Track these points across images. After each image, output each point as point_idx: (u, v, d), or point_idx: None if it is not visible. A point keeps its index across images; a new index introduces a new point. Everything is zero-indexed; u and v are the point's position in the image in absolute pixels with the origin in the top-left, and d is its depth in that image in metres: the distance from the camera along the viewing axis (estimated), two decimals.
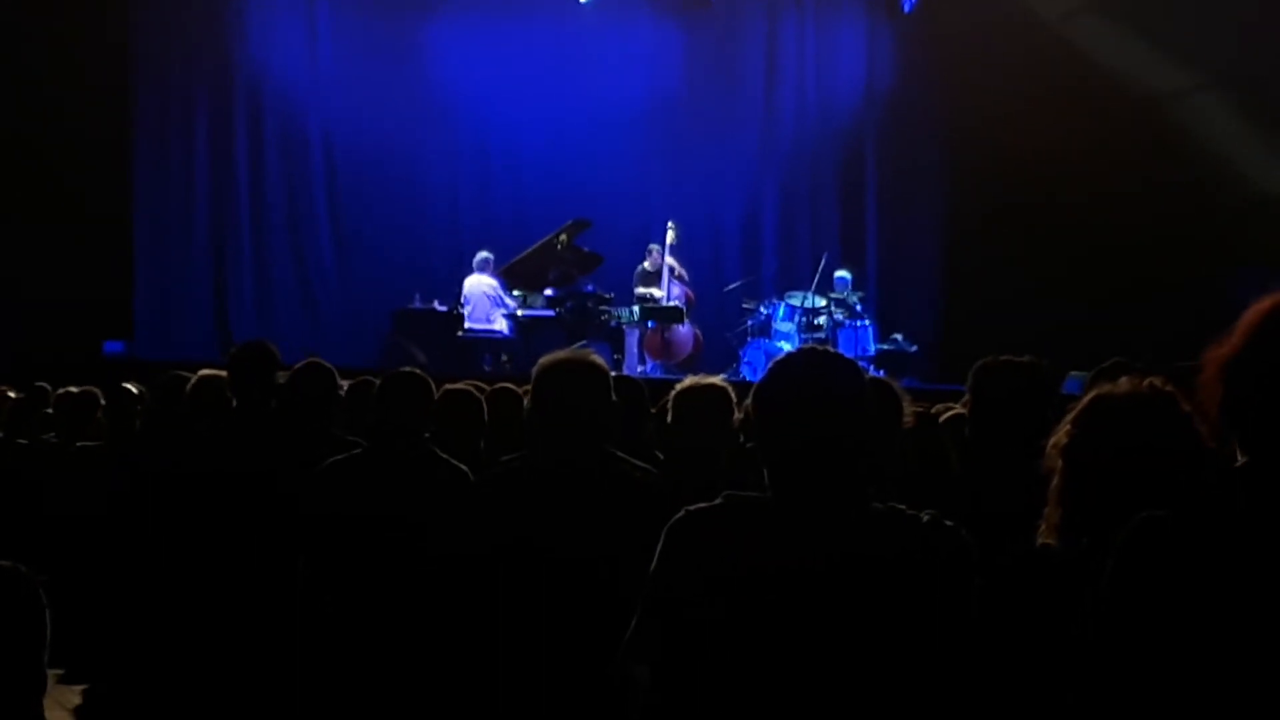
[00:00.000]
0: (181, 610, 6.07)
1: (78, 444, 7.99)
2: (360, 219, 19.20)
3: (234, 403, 6.39)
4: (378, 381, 5.93)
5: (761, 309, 17.64)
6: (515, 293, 17.29)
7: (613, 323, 17.29)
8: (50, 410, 8.55)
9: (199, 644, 5.97)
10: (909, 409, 4.53)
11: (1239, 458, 2.47)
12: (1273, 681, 2.31)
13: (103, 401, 8.39)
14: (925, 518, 3.02)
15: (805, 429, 3.04)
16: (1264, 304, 2.50)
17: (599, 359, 4.51)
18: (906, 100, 20.20)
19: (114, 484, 7.04)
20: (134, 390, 8.19)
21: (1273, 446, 2.40)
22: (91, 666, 7.62)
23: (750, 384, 3.30)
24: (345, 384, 6.53)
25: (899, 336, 18.23)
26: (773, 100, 20.45)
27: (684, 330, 17.61)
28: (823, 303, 17.66)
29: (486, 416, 6.38)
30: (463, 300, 17.18)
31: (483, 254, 17.35)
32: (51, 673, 3.09)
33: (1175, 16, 17.04)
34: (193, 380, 6.94)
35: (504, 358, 15.53)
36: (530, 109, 19.51)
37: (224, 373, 6.70)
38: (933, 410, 6.10)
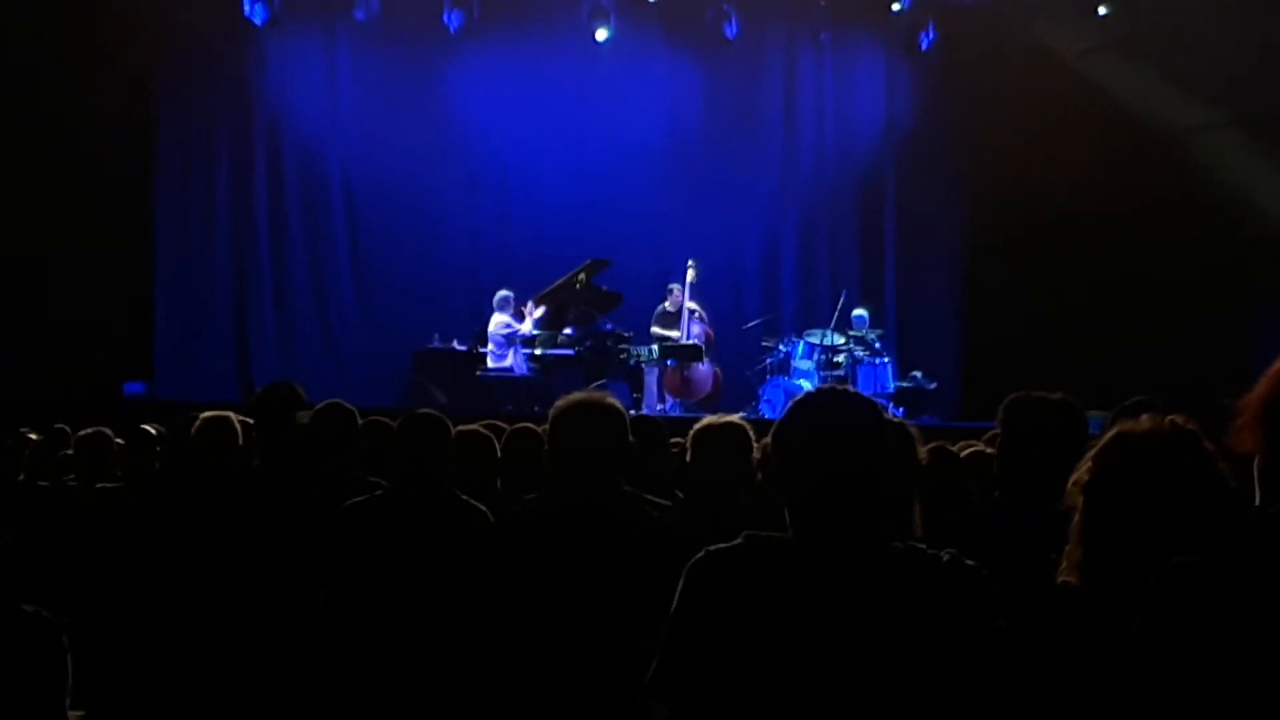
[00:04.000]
0: (203, 652, 6.07)
1: (97, 486, 7.99)
2: (380, 259, 19.24)
3: (241, 442, 6.42)
4: (392, 422, 5.94)
5: (781, 347, 17.62)
6: (534, 331, 17.27)
7: (632, 361, 17.28)
8: (70, 452, 8.55)
9: (220, 686, 5.96)
10: (922, 449, 4.52)
11: (1261, 500, 2.47)
12: None
13: (119, 442, 8.39)
14: (945, 557, 3.02)
15: (825, 468, 3.04)
16: None
17: (615, 400, 4.52)
18: (925, 138, 20.20)
19: (133, 526, 7.04)
20: (153, 432, 8.19)
21: None
22: (112, 709, 7.60)
23: (770, 422, 3.29)
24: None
25: (918, 374, 18.19)
26: (792, 138, 20.46)
27: (703, 368, 17.59)
28: (842, 340, 17.64)
29: (501, 455, 6.39)
30: (487, 340, 17.23)
31: (502, 292, 17.37)
32: (73, 714, 3.09)
33: (1194, 54, 17.04)
34: (198, 423, 6.94)
35: (535, 409, 15.35)
36: (550, 148, 19.53)
37: (230, 414, 6.73)
38: (951, 447, 6.09)
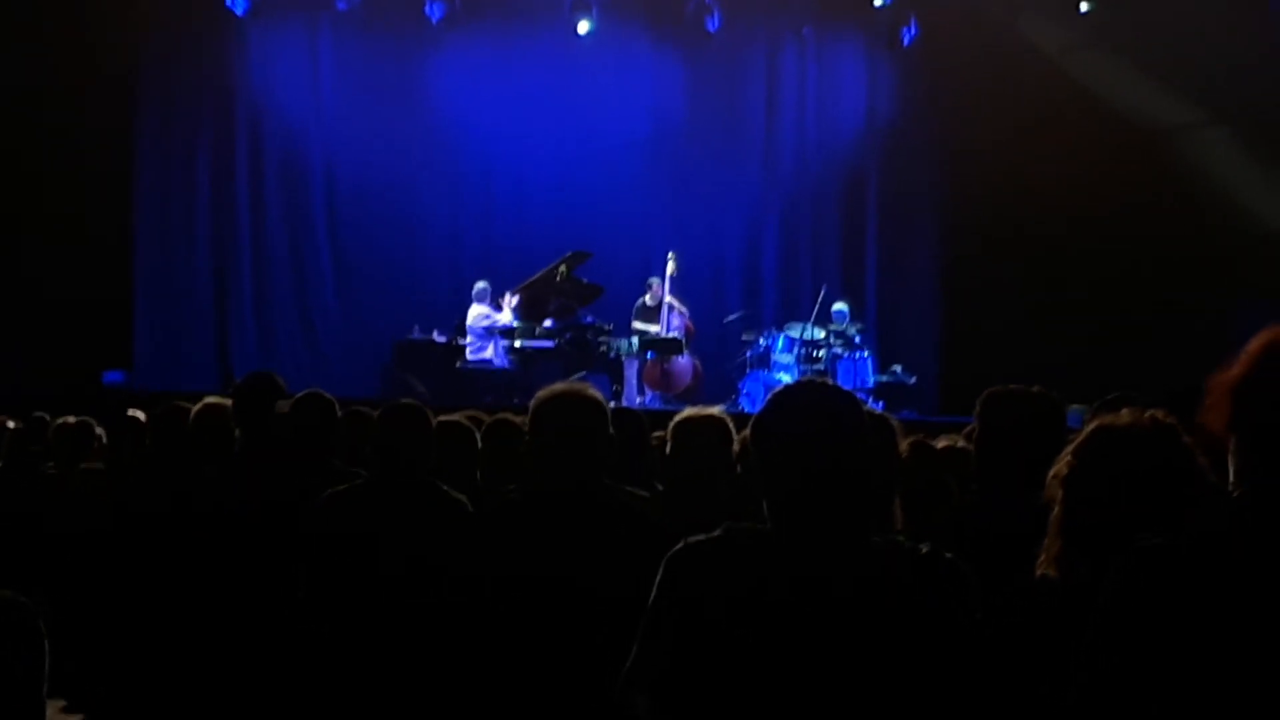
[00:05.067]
0: (181, 640, 6.06)
1: (77, 473, 7.97)
2: (361, 250, 19.24)
3: (237, 433, 6.40)
4: (372, 412, 5.93)
5: (761, 340, 17.63)
6: (515, 322, 17.26)
7: (612, 354, 17.28)
8: (49, 440, 8.53)
9: (199, 674, 5.95)
10: (903, 442, 4.51)
11: (1232, 483, 2.47)
12: (1267, 708, 2.30)
13: (99, 431, 8.38)
14: (924, 550, 3.02)
15: (804, 461, 3.05)
16: (1274, 330, 2.51)
17: (596, 391, 4.52)
18: (906, 133, 20.21)
19: (113, 514, 7.02)
20: (142, 418, 8.15)
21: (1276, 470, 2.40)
22: (91, 696, 7.59)
23: (749, 415, 3.30)
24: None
25: (898, 368, 18.22)
26: (773, 133, 20.47)
27: (683, 361, 17.61)
28: (822, 334, 17.66)
29: (481, 446, 6.38)
30: (466, 332, 17.26)
31: (480, 284, 17.40)
32: (52, 704, 3.09)
33: (1174, 51, 17.08)
34: (197, 408, 6.93)
35: (515, 400, 15.26)
36: (531, 141, 19.53)
37: (228, 401, 6.69)
38: (931, 441, 6.10)
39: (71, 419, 8.48)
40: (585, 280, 17.82)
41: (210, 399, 7.00)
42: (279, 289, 19.03)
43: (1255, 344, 2.52)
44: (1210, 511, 2.53)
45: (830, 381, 3.29)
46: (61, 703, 7.51)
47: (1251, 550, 2.37)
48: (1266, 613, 2.32)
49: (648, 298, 17.93)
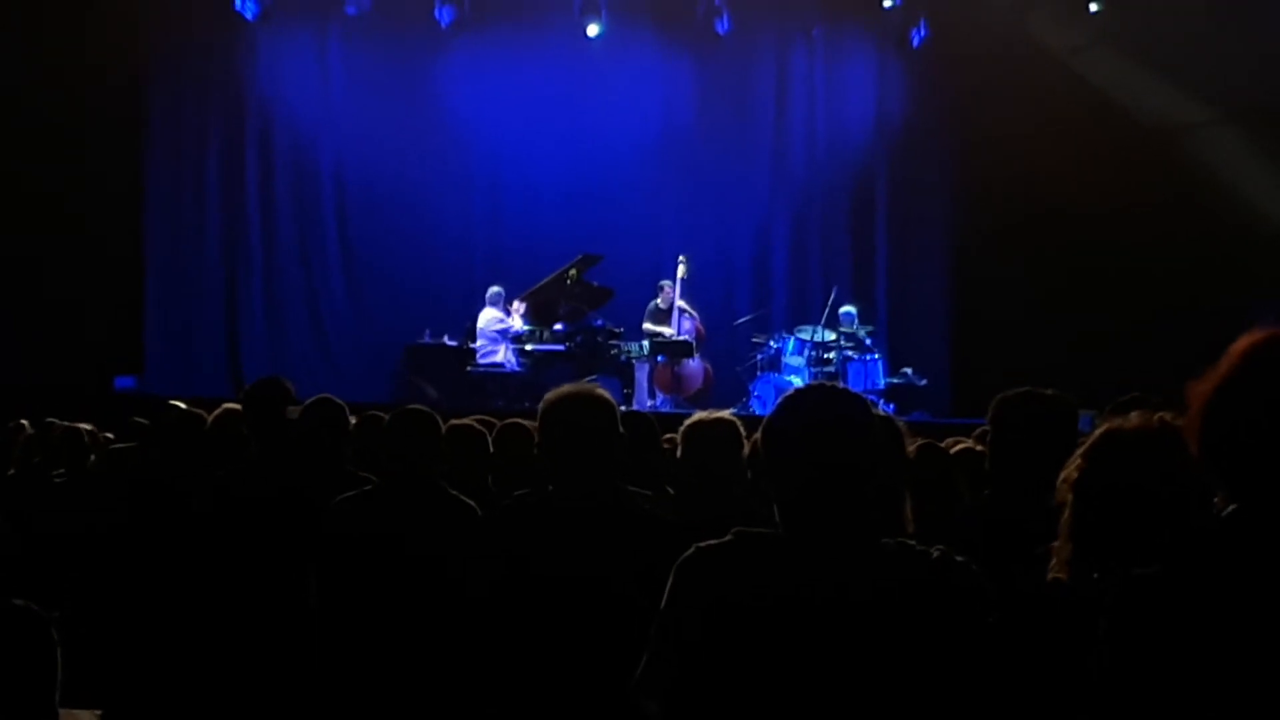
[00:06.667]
0: (193, 644, 6.06)
1: (86, 478, 7.98)
2: (371, 254, 19.25)
3: (249, 439, 6.41)
4: (385, 417, 5.94)
5: (771, 343, 17.62)
6: (525, 326, 17.25)
7: (623, 357, 17.26)
8: (57, 446, 8.54)
9: (210, 679, 5.95)
10: (909, 445, 4.50)
11: (1219, 501, 2.39)
12: None
13: (104, 436, 8.41)
14: (936, 553, 3.01)
15: (814, 464, 3.04)
16: (1249, 339, 2.41)
17: (605, 392, 4.52)
18: (916, 135, 20.20)
19: (124, 520, 7.02)
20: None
21: (1255, 490, 2.32)
22: (114, 702, 7.57)
23: (760, 418, 3.29)
24: (353, 419, 6.52)
25: (909, 370, 18.18)
26: (783, 134, 20.46)
27: (694, 364, 17.60)
28: (833, 337, 17.62)
29: (493, 450, 6.39)
30: (477, 335, 17.25)
31: (494, 288, 17.38)
32: (92, 713, 3.09)
33: (1186, 50, 17.05)
34: (215, 414, 6.95)
35: (526, 404, 15.19)
36: (541, 143, 19.53)
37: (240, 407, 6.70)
38: (939, 443, 6.08)
39: (79, 425, 8.49)
40: (595, 283, 17.80)
41: (229, 405, 7.02)
42: (290, 294, 19.05)
43: (1230, 353, 2.41)
44: (1200, 532, 2.44)
45: (840, 384, 3.29)
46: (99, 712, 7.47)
47: (1244, 582, 2.30)
48: (1262, 646, 2.25)
49: (659, 300, 17.92)
